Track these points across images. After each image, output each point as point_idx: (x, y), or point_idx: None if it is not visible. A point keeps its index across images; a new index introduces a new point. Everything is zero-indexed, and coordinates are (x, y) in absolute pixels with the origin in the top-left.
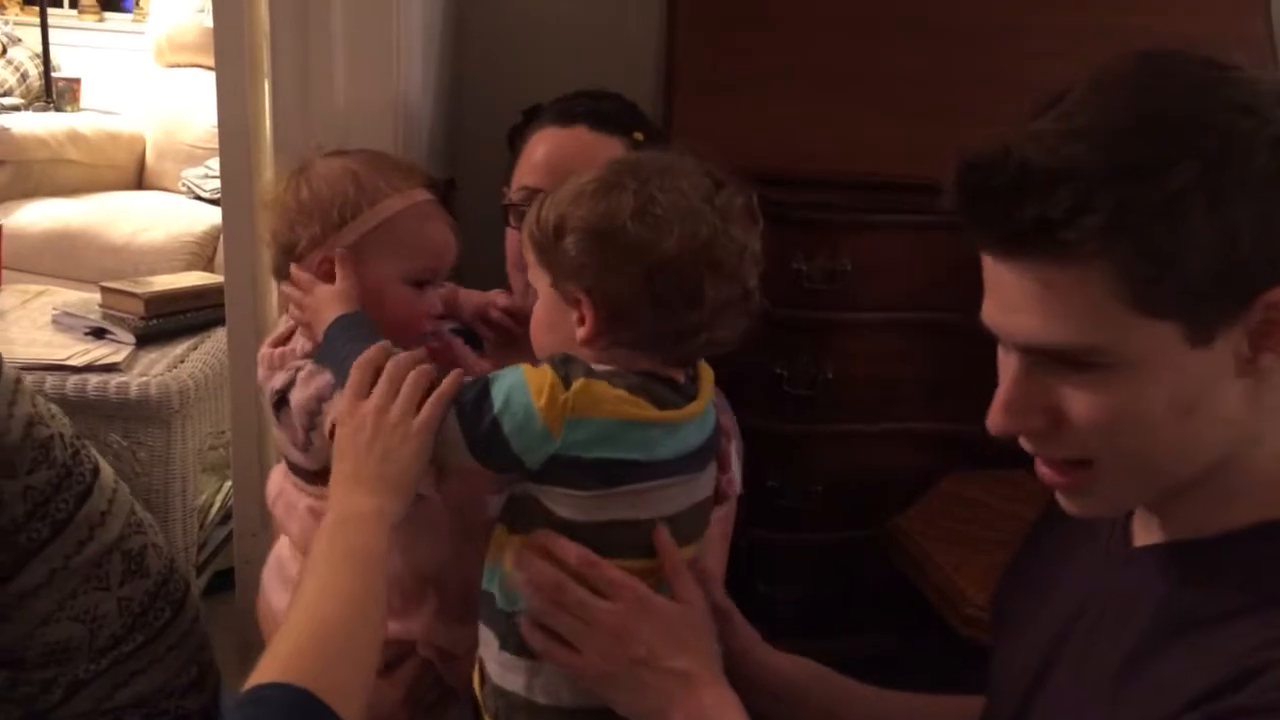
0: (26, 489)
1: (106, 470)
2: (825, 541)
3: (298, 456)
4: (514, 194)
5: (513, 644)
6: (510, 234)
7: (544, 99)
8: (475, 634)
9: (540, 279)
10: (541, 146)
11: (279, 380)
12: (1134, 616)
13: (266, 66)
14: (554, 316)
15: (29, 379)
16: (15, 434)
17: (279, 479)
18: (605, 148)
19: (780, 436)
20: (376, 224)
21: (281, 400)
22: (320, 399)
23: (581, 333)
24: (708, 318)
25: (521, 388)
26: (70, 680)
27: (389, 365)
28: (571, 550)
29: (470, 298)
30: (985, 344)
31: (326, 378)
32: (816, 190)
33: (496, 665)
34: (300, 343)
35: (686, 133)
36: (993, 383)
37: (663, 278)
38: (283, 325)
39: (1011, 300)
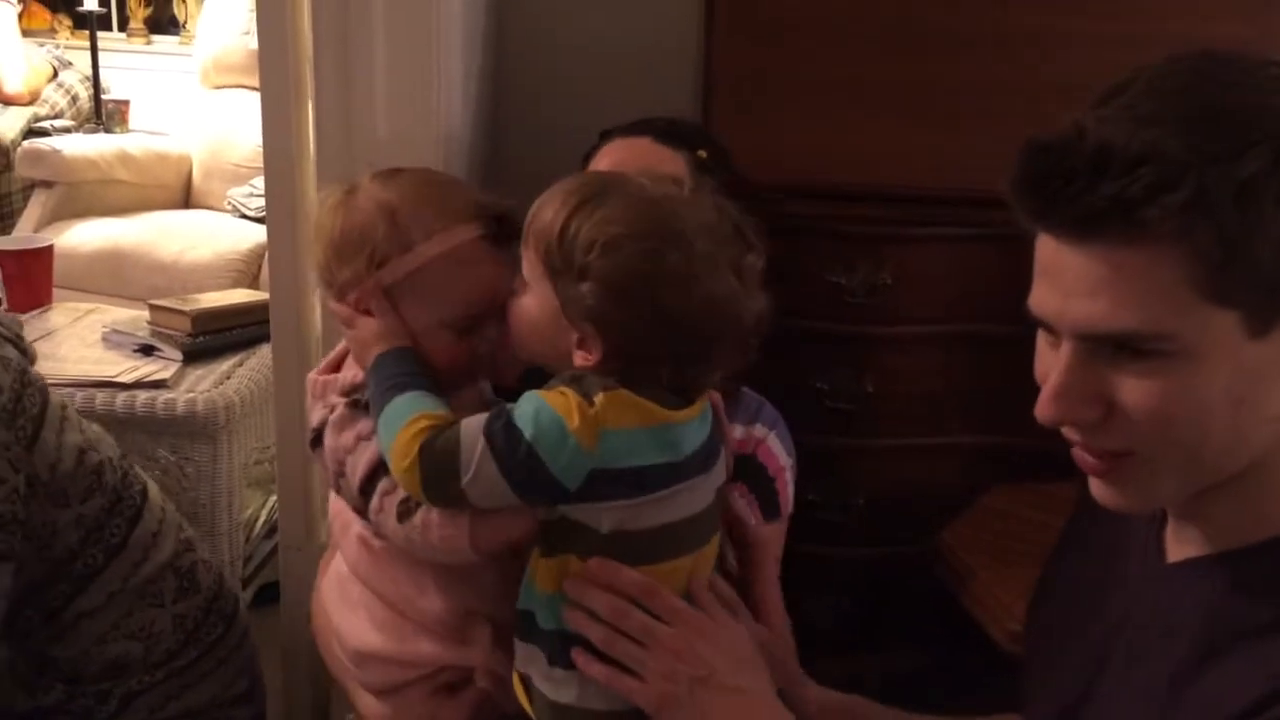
0: (79, 517)
1: (154, 489)
2: (865, 556)
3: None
4: None
5: (562, 660)
6: None
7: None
8: None
9: (544, 290)
10: (606, 158)
11: (316, 416)
12: (1176, 635)
13: (310, 87)
14: (551, 330)
15: (79, 396)
16: (68, 463)
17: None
18: (668, 160)
19: (820, 451)
20: (410, 270)
21: (317, 437)
22: (347, 450)
23: (580, 358)
24: (711, 368)
25: (547, 410)
26: (124, 692)
27: None
28: (632, 578)
29: None
30: (1027, 356)
31: (356, 430)
32: (856, 203)
33: (547, 681)
34: (347, 373)
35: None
36: (1032, 395)
37: (679, 339)
38: (338, 348)
39: (1074, 285)
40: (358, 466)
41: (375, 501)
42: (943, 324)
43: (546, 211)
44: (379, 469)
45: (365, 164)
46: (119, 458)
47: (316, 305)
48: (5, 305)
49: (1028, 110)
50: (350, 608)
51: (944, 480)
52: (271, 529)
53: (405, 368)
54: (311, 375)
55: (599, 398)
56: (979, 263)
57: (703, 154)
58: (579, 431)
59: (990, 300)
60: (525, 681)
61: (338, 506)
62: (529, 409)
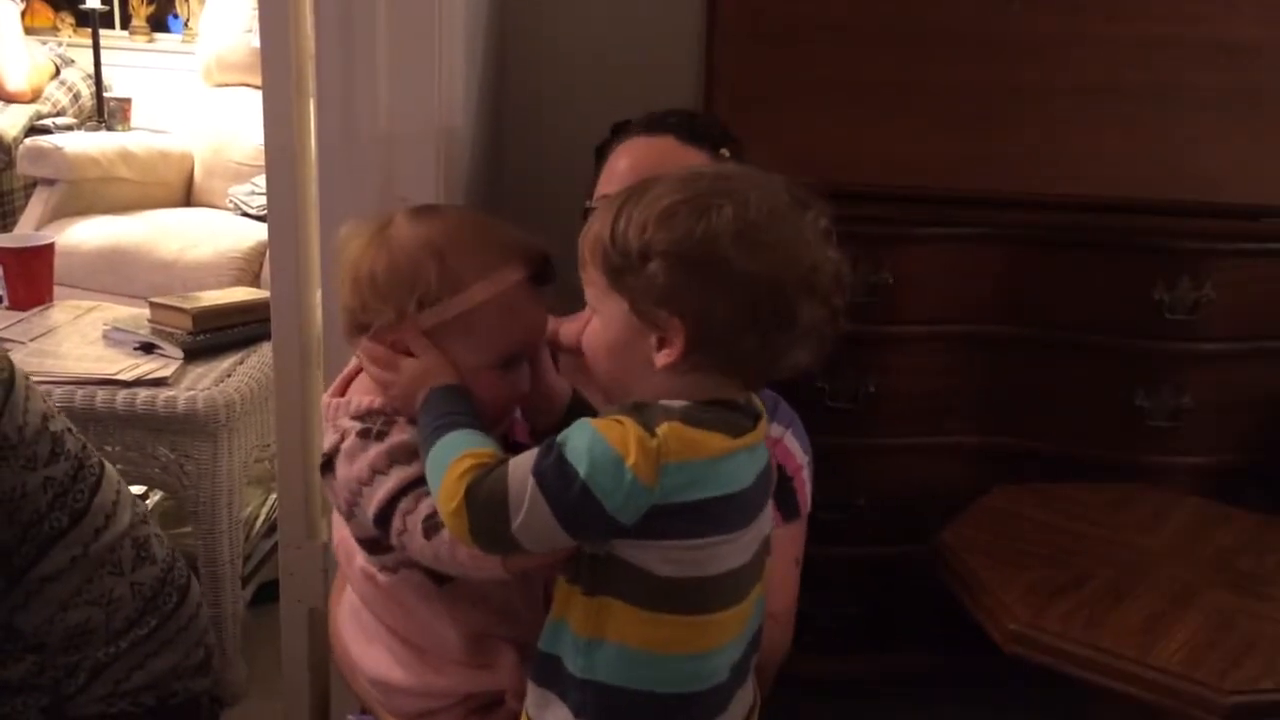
0: (47, 479)
1: (109, 465)
2: (867, 556)
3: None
4: (596, 200)
5: (591, 711)
6: None
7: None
8: None
9: (611, 302)
10: (627, 155)
11: (327, 441)
12: None
13: (312, 85)
14: (626, 339)
15: (79, 393)
16: (33, 427)
17: (340, 524)
18: (693, 158)
19: (822, 450)
20: (459, 312)
21: (326, 465)
22: (361, 482)
23: (663, 357)
24: (797, 341)
25: (602, 444)
26: (92, 664)
27: None
28: None
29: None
30: (1027, 356)
31: (369, 460)
32: (857, 204)
33: None
34: (357, 397)
35: None
36: (1035, 395)
37: (761, 302)
38: (350, 366)
39: None
40: (373, 498)
41: (397, 523)
42: (943, 324)
43: (594, 224)
44: (397, 496)
45: (366, 162)
46: (76, 431)
47: (317, 304)
48: (6, 303)
49: (1028, 111)
50: (368, 640)
51: (945, 480)
52: (271, 527)
53: (453, 405)
54: (325, 398)
55: (661, 429)
56: (979, 263)
57: (725, 153)
58: (637, 466)
59: (991, 300)
60: None
61: (342, 535)
62: (582, 443)
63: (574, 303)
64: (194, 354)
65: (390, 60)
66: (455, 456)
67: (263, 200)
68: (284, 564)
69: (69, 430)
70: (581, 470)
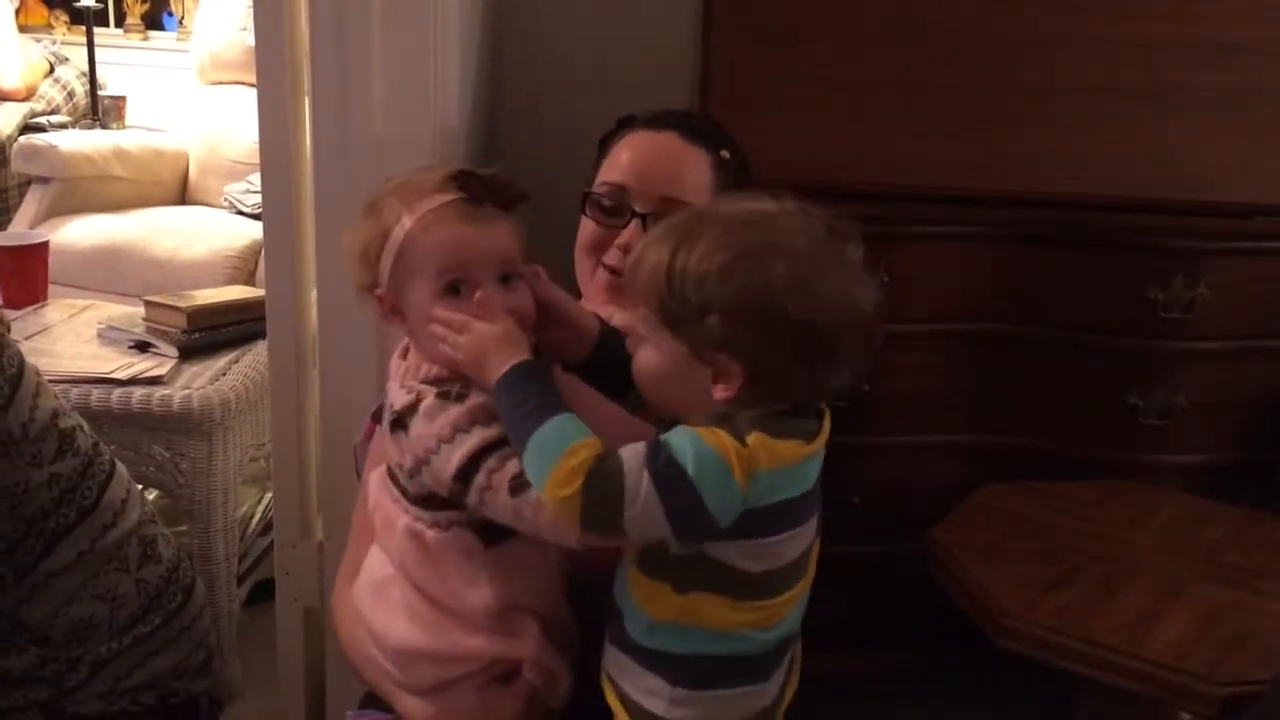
0: (53, 477)
1: (120, 464)
2: (862, 554)
3: (402, 475)
4: (596, 187)
5: (687, 680)
6: (585, 221)
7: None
8: (569, 659)
9: (666, 339)
10: (629, 148)
11: (399, 400)
12: None
13: (307, 83)
14: (680, 372)
15: (74, 392)
16: (41, 423)
17: (377, 486)
18: (693, 157)
19: None
20: (396, 254)
21: (398, 421)
22: (441, 439)
23: (720, 390)
24: (841, 370)
25: (707, 449)
26: (94, 659)
27: None
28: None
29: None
30: (1025, 355)
31: (451, 420)
32: (852, 203)
33: (665, 703)
34: (420, 362)
35: None
36: (1030, 394)
37: (811, 343)
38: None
39: None
40: (454, 453)
41: (481, 479)
42: (939, 323)
43: (645, 266)
44: (482, 453)
45: (362, 160)
46: (89, 429)
47: (312, 302)
48: (1, 301)
49: (1025, 111)
50: (389, 609)
51: (941, 478)
52: (267, 526)
53: (538, 384)
54: (394, 359)
55: (751, 438)
56: (976, 262)
57: (725, 154)
58: (736, 471)
59: (988, 300)
60: (631, 704)
61: (381, 499)
62: (688, 446)
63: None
64: (189, 352)
65: (386, 58)
66: (570, 444)
67: (258, 198)
68: (279, 563)
69: (80, 428)
70: (690, 470)
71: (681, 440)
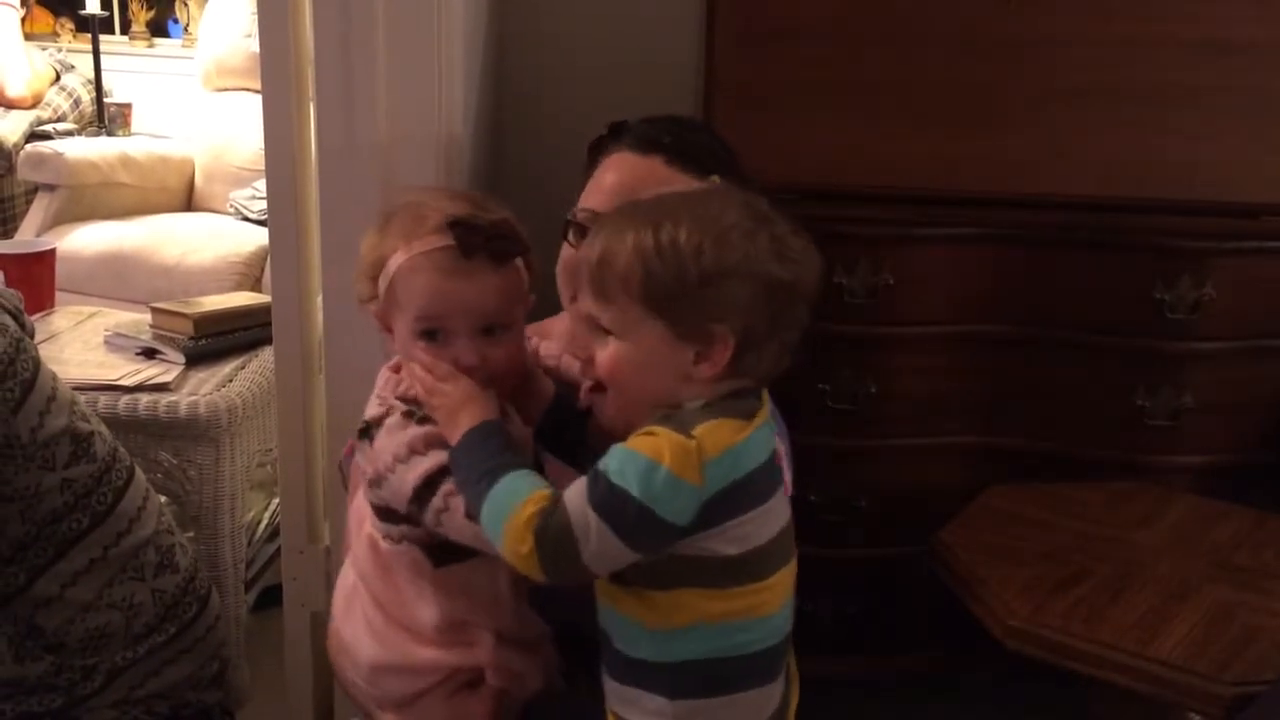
0: (65, 481)
1: (140, 474)
2: (868, 556)
3: (366, 485)
4: (578, 213)
5: (685, 688)
6: (565, 248)
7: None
8: (537, 656)
9: (645, 325)
10: (614, 171)
11: (370, 410)
12: None
13: (311, 89)
14: (660, 357)
15: (81, 399)
16: (52, 429)
17: (357, 492)
18: (679, 184)
19: (823, 451)
20: (388, 284)
21: (365, 431)
22: (397, 458)
23: (707, 368)
24: (795, 341)
25: (640, 460)
26: (109, 668)
27: None
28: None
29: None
30: (1027, 356)
31: (408, 440)
32: (857, 205)
33: (670, 714)
34: (406, 384)
35: None
36: (1037, 395)
37: (790, 312)
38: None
39: None
40: (409, 474)
41: (438, 501)
42: (944, 324)
43: (619, 257)
44: (437, 476)
45: (367, 165)
46: (111, 437)
47: (318, 308)
48: None
49: (1028, 111)
50: (354, 618)
51: (947, 481)
52: (274, 532)
53: (493, 445)
54: (384, 369)
55: (697, 430)
56: (980, 263)
57: (715, 179)
58: (680, 469)
59: (992, 301)
60: None
61: (358, 502)
62: (627, 467)
63: (556, 240)
64: (195, 359)
65: (390, 64)
66: (517, 503)
67: (263, 204)
68: (287, 568)
69: (99, 434)
70: (633, 490)
71: (618, 462)
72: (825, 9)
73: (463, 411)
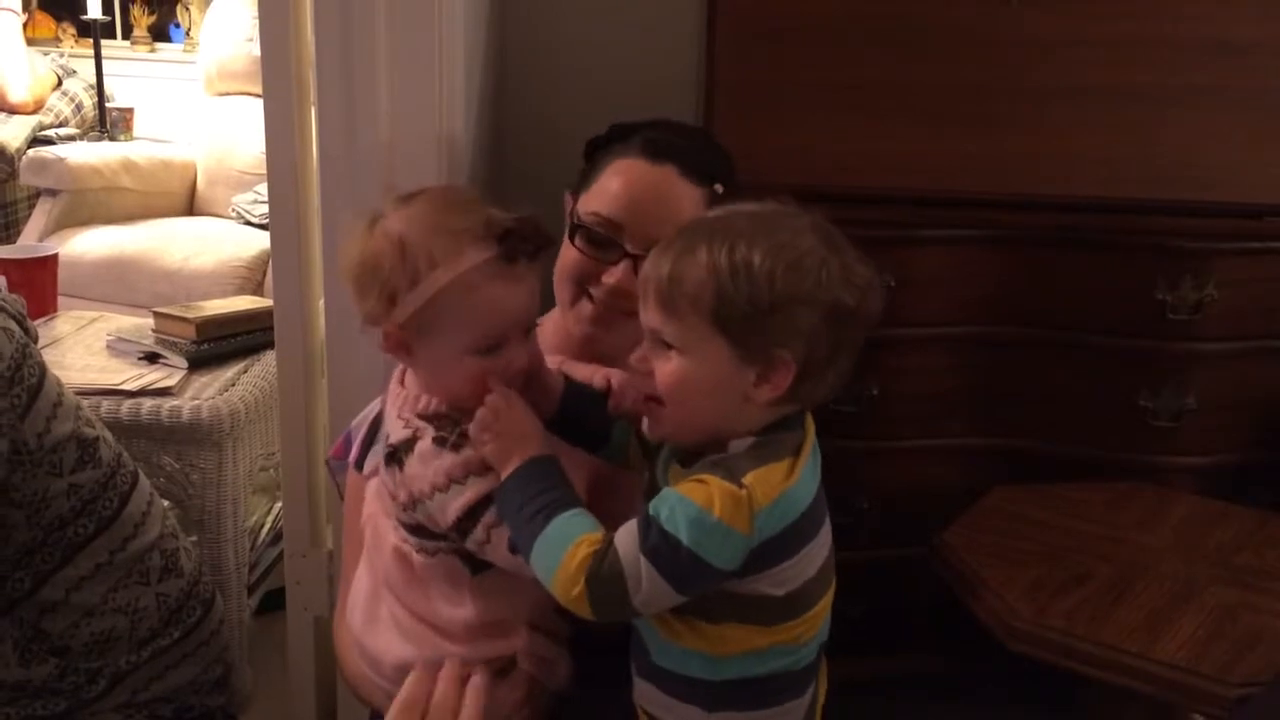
0: (72, 487)
1: (144, 479)
2: (871, 558)
3: (395, 505)
4: (585, 216)
5: (727, 702)
6: (568, 249)
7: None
8: (565, 644)
9: (712, 344)
10: (622, 177)
11: (396, 433)
12: None
13: (312, 93)
14: (723, 377)
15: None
16: (59, 434)
17: (372, 498)
18: (689, 198)
19: (826, 453)
20: (426, 302)
21: (393, 455)
22: (436, 487)
23: (768, 391)
24: (850, 363)
25: (693, 508)
26: (113, 671)
27: None
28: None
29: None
30: (1030, 357)
31: (445, 468)
32: (858, 206)
33: None
34: (419, 393)
35: None
36: (1039, 396)
37: (851, 337)
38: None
39: None
40: (450, 503)
41: (479, 534)
42: (946, 326)
43: (691, 273)
44: (479, 508)
45: (368, 169)
46: (114, 442)
47: (320, 312)
48: None
49: (1029, 112)
50: (379, 626)
51: (950, 482)
52: (277, 535)
53: (548, 482)
54: (394, 385)
55: (747, 479)
56: (982, 265)
57: (719, 188)
58: (730, 519)
59: (994, 302)
60: None
61: (373, 512)
62: (678, 516)
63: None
64: (198, 363)
65: (391, 67)
66: (570, 545)
67: (265, 208)
68: (290, 572)
69: (104, 440)
70: (684, 539)
71: (670, 509)
72: (825, 9)
73: (517, 444)
